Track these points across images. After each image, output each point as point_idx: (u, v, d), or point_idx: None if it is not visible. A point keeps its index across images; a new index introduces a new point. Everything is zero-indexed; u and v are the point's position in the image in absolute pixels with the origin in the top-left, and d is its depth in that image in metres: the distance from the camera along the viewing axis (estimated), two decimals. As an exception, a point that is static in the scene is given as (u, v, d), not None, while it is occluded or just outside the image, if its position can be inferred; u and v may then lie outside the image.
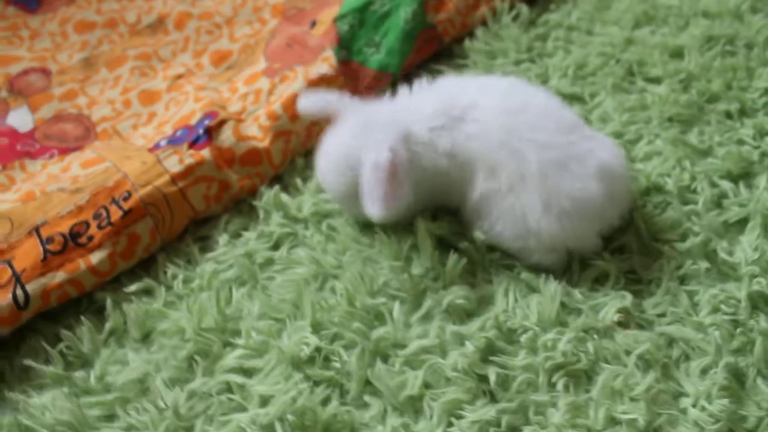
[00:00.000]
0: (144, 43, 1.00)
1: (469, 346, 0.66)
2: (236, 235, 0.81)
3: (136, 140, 0.88)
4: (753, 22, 0.99)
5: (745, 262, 0.73)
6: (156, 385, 0.67)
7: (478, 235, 0.74)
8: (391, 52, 0.93)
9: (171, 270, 0.77)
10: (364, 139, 0.70)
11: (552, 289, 0.70)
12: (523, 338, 0.68)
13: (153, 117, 0.92)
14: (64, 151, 0.87)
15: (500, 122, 0.70)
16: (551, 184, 0.68)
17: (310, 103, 0.77)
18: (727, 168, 0.82)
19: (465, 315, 0.71)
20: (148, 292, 0.76)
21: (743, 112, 0.89)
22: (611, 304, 0.70)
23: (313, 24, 0.97)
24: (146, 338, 0.72)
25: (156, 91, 0.95)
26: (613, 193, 0.70)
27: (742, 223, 0.78)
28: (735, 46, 0.96)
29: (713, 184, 0.81)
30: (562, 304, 0.71)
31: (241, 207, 0.84)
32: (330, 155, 0.75)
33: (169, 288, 0.76)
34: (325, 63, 0.90)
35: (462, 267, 0.73)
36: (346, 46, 0.93)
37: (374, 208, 0.67)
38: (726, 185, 0.81)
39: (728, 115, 0.89)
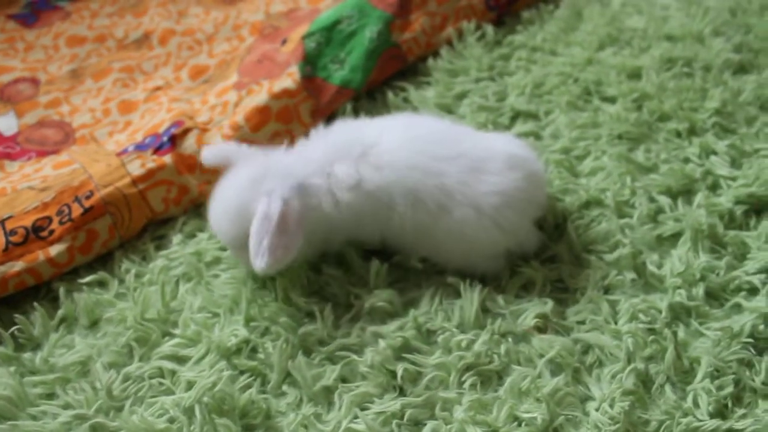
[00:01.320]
0: (129, 57, 1.07)
1: (382, 344, 0.69)
2: (191, 236, 0.86)
3: (110, 146, 0.94)
4: (713, 45, 1.00)
5: (670, 274, 0.75)
6: (96, 368, 0.72)
7: (416, 264, 0.76)
8: (354, 68, 0.98)
9: (125, 265, 0.82)
10: (257, 189, 0.70)
11: (474, 293, 0.73)
12: (440, 339, 0.70)
13: (128, 125, 0.98)
14: (42, 154, 0.94)
15: (406, 148, 0.73)
16: (475, 189, 0.71)
17: (211, 154, 0.78)
18: (668, 184, 0.84)
19: (387, 317, 0.74)
20: (102, 284, 0.81)
21: (692, 132, 0.91)
22: (532, 309, 0.73)
23: (284, 41, 1.02)
24: (94, 325, 0.77)
25: (134, 102, 1.01)
26: (529, 177, 0.73)
27: (676, 237, 0.79)
28: (692, 68, 0.98)
29: (652, 200, 0.83)
30: (485, 309, 0.73)
31: (201, 210, 0.89)
32: (223, 203, 0.74)
33: (121, 281, 0.81)
34: (290, 78, 0.95)
35: (385, 272, 0.76)
36: (311, 62, 0.98)
37: (259, 261, 0.67)
38: (664, 200, 0.82)
39: (677, 134, 0.91)
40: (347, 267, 0.79)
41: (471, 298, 0.72)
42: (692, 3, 1.08)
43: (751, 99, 0.93)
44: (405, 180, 0.72)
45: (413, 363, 0.69)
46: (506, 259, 0.76)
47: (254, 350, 0.72)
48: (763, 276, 0.75)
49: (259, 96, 0.94)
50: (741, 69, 0.99)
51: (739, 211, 0.81)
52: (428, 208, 0.72)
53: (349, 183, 0.72)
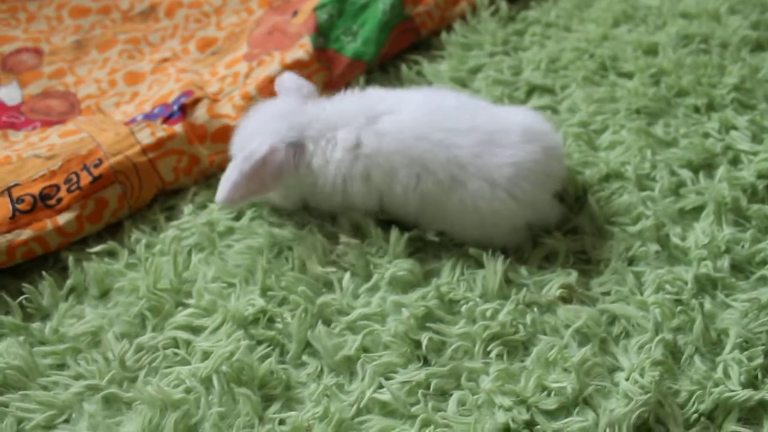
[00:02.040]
0: (135, 29, 1.05)
1: (406, 313, 0.67)
2: (202, 207, 0.84)
3: (116, 116, 0.91)
4: (730, 22, 1.00)
5: (695, 246, 0.74)
6: (107, 338, 0.69)
7: (431, 236, 0.75)
8: (367, 41, 0.96)
9: (135, 235, 0.80)
10: (268, 126, 0.74)
11: (497, 263, 0.71)
12: (464, 308, 0.69)
13: (135, 96, 0.96)
14: (47, 124, 0.91)
15: (416, 119, 0.71)
16: (489, 161, 0.69)
17: (287, 79, 0.81)
18: (689, 158, 0.83)
19: (408, 286, 0.72)
20: (111, 254, 0.79)
21: (711, 107, 0.90)
22: (556, 280, 0.71)
23: (295, 13, 1.00)
24: (104, 295, 0.75)
25: (141, 73, 0.98)
26: (546, 150, 0.71)
27: (699, 210, 0.78)
28: (709, 45, 0.97)
29: (673, 173, 0.82)
30: (508, 280, 0.72)
31: (211, 181, 0.86)
32: (244, 123, 0.78)
33: (132, 251, 0.79)
34: (302, 49, 0.93)
35: (406, 242, 0.74)
36: (323, 33, 0.96)
37: (221, 192, 0.70)
38: (686, 174, 0.81)
39: (696, 109, 0.90)
40: (364, 236, 0.77)
41: (494, 268, 0.71)
42: (707, -19, 1.07)
43: (770, 76, 0.93)
44: (410, 149, 0.71)
45: (437, 332, 0.67)
46: (527, 232, 0.75)
47: (271, 320, 0.70)
48: (788, 249, 0.74)
49: (271, 66, 0.92)
50: (759, 47, 0.98)
51: (761, 185, 0.80)
52: (438, 179, 0.70)
53: (344, 146, 0.73)
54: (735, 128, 0.86)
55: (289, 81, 0.80)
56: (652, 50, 0.97)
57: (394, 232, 0.75)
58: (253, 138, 0.73)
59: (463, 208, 0.71)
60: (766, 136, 0.85)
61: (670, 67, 0.94)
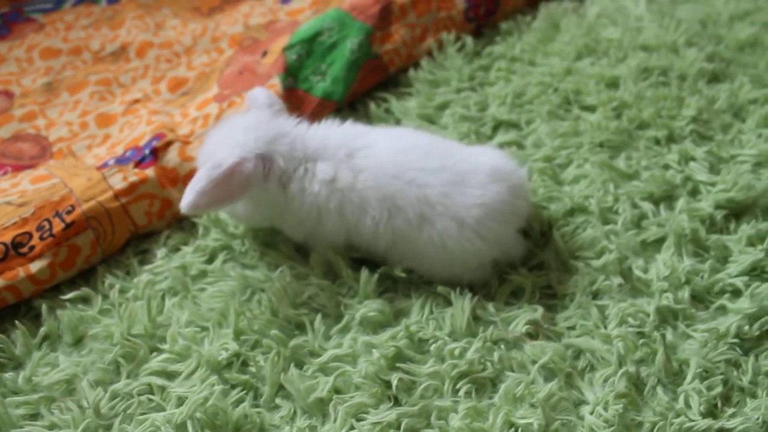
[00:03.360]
0: (106, 69, 1.06)
1: (376, 354, 0.69)
2: (175, 249, 0.84)
3: (88, 160, 0.92)
4: (687, 55, 1.03)
5: (656, 278, 0.76)
6: (81, 386, 0.70)
7: (399, 272, 0.76)
8: (336, 80, 0.98)
9: (109, 280, 0.80)
10: (237, 138, 0.74)
11: (464, 302, 0.73)
12: (433, 348, 0.70)
13: (107, 138, 0.96)
14: (18, 168, 0.92)
15: (391, 159, 0.74)
16: (457, 201, 0.71)
17: (258, 94, 0.81)
18: (650, 190, 0.85)
19: (379, 326, 0.74)
20: (85, 300, 0.79)
21: (671, 139, 0.92)
22: (523, 316, 0.73)
23: (265, 53, 1.02)
24: (78, 342, 0.76)
25: (112, 115, 0.99)
26: (512, 188, 0.74)
27: (660, 242, 0.81)
28: (668, 77, 1.00)
29: (635, 206, 0.84)
30: (476, 317, 0.74)
31: (184, 224, 0.88)
32: (212, 133, 0.79)
33: (105, 297, 0.79)
34: (271, 90, 0.95)
35: (376, 282, 0.75)
36: (292, 73, 0.97)
37: (186, 199, 0.70)
38: (647, 206, 0.84)
39: (656, 141, 0.93)
40: (335, 276, 0.78)
41: (462, 306, 0.73)
42: (665, 15, 1.11)
43: (726, 107, 0.96)
44: (384, 187, 0.73)
45: (407, 372, 0.68)
46: (493, 268, 0.77)
47: (245, 364, 0.71)
48: (745, 278, 0.76)
49: (241, 108, 0.93)
50: (714, 78, 1.01)
51: (719, 215, 0.82)
52: (408, 217, 0.72)
53: (322, 178, 0.74)
54: (693, 159, 0.89)
55: (261, 96, 0.81)
56: (613, 83, 1.00)
57: (364, 273, 0.76)
58: (222, 149, 0.74)
59: (431, 245, 0.73)
60: (723, 166, 0.88)
61: (631, 99, 0.97)
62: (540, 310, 0.73)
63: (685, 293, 0.75)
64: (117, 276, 0.81)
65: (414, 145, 0.76)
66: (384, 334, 0.72)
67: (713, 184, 0.86)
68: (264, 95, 0.81)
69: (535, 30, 1.10)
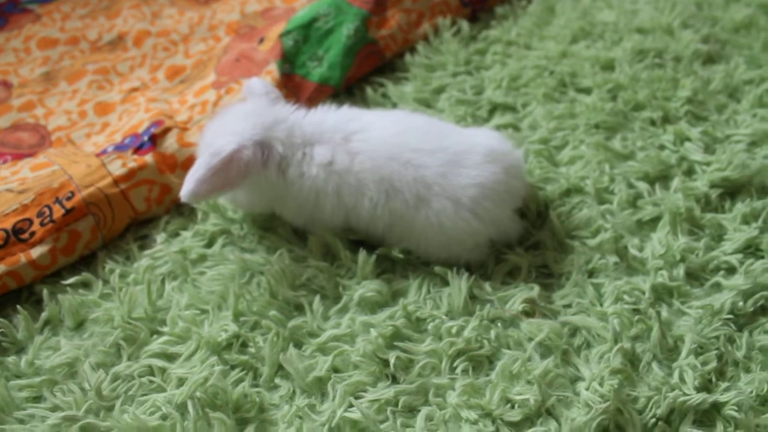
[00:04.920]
0: (104, 59, 1.06)
1: (374, 333, 0.70)
2: (174, 235, 0.85)
3: (87, 148, 0.93)
4: (683, 37, 1.03)
5: (652, 257, 0.77)
6: (83, 369, 0.71)
7: (397, 254, 0.77)
8: (332, 66, 0.98)
9: (109, 265, 0.81)
10: (237, 125, 0.75)
11: (461, 281, 0.74)
12: (431, 326, 0.71)
13: (106, 126, 0.97)
14: (18, 157, 0.92)
15: (388, 141, 0.74)
16: (453, 181, 0.72)
17: (254, 84, 0.82)
18: (645, 170, 0.86)
19: (377, 306, 0.74)
20: (86, 285, 0.80)
21: (666, 120, 0.93)
22: (519, 295, 0.74)
23: (261, 40, 1.02)
24: (79, 327, 0.76)
25: (111, 103, 1.00)
26: (508, 169, 0.74)
27: (655, 221, 0.81)
28: (663, 59, 1.01)
29: (630, 186, 0.85)
30: (473, 296, 0.74)
31: (183, 209, 0.88)
32: (215, 121, 0.79)
33: (106, 282, 0.80)
34: (268, 76, 0.95)
35: (373, 264, 0.76)
36: (289, 60, 0.98)
37: (186, 188, 0.70)
38: (642, 186, 0.84)
39: (652, 123, 0.93)
40: (333, 258, 0.79)
41: (459, 285, 0.73)
42: (660, -3, 1.11)
43: (721, 87, 0.96)
44: (381, 169, 0.73)
45: (405, 351, 0.69)
46: (490, 248, 0.77)
47: (244, 345, 0.72)
48: (739, 255, 0.77)
49: (239, 94, 0.94)
50: (710, 59, 1.01)
51: (714, 194, 0.83)
52: (405, 198, 0.73)
53: (319, 161, 0.75)
54: (689, 140, 0.89)
55: (257, 85, 0.81)
56: (609, 66, 1.01)
57: (362, 254, 0.77)
58: (220, 137, 0.74)
59: (428, 225, 0.73)
60: (718, 146, 0.89)
61: (626, 81, 0.97)
62: (536, 289, 0.74)
63: (680, 271, 0.75)
64: (117, 261, 0.82)
65: (410, 126, 0.77)
66: (382, 313, 0.73)
67: (708, 164, 0.86)
68: (260, 85, 0.81)
69: (531, 14, 1.10)
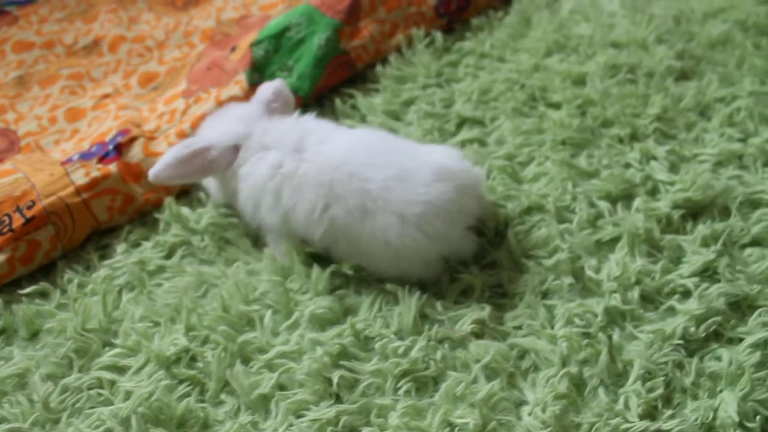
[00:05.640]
0: (78, 64, 1.07)
1: (319, 351, 0.70)
2: (135, 245, 0.86)
3: (55, 155, 0.93)
4: (657, 52, 1.02)
5: (607, 279, 0.76)
6: (34, 380, 0.71)
7: (348, 270, 0.77)
8: (302, 76, 0.98)
9: (68, 275, 0.82)
10: (226, 125, 0.82)
11: (412, 300, 0.73)
12: (378, 345, 0.71)
13: (75, 133, 0.97)
14: (-14, 163, 0.93)
15: (337, 154, 0.75)
16: (398, 196, 0.72)
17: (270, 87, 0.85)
18: (608, 189, 0.85)
19: (328, 323, 0.74)
20: (44, 294, 0.80)
21: (634, 137, 0.92)
22: (470, 315, 0.73)
23: (233, 49, 1.02)
24: (34, 337, 0.77)
25: (82, 109, 1.00)
26: (460, 188, 0.74)
27: (615, 242, 0.81)
28: (636, 75, 1.00)
29: (592, 205, 0.84)
30: (424, 315, 0.74)
31: (146, 219, 0.89)
32: (215, 114, 0.87)
33: (64, 291, 0.81)
34: (237, 86, 0.95)
35: (328, 279, 0.76)
36: (259, 69, 0.98)
37: (153, 168, 0.78)
38: (604, 205, 0.84)
39: (619, 140, 0.92)
40: (288, 273, 0.79)
41: (408, 304, 0.73)
42: (638, 11, 1.10)
43: (692, 105, 0.95)
44: (323, 174, 0.74)
45: (350, 370, 0.69)
46: (443, 265, 0.77)
47: (194, 359, 0.72)
48: (696, 279, 0.76)
49: (207, 104, 0.94)
50: (683, 76, 1.01)
51: (676, 215, 0.82)
52: (348, 207, 0.73)
53: (270, 163, 0.77)
54: (655, 158, 0.89)
55: (264, 92, 0.85)
56: (580, 80, 1.00)
57: (315, 270, 0.77)
58: (205, 130, 0.84)
59: (374, 240, 0.73)
60: (684, 166, 0.88)
61: (596, 97, 0.96)
62: (487, 309, 0.74)
63: (634, 294, 0.75)
64: (76, 271, 0.83)
65: (364, 142, 0.77)
66: (331, 331, 0.73)
67: (672, 184, 0.86)
68: (269, 91, 0.85)
69: (507, 26, 1.10)
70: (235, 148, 0.80)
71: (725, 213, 0.83)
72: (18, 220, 0.81)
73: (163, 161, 0.78)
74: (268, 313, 0.75)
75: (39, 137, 0.97)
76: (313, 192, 0.75)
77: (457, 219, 0.75)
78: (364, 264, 0.77)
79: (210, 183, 0.87)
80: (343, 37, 1.02)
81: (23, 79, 1.05)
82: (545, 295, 0.76)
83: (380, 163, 0.73)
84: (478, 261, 0.79)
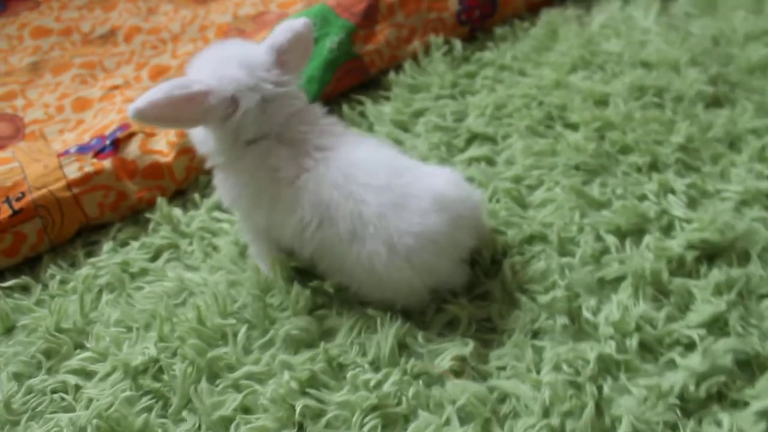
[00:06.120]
0: (93, 52, 1.06)
1: (286, 376, 0.66)
2: (123, 244, 0.84)
3: (56, 145, 0.92)
4: (688, 75, 0.95)
5: (605, 322, 0.71)
6: (0, 378, 0.70)
7: (329, 288, 0.74)
8: (310, 79, 0.95)
9: (51, 270, 0.80)
10: (227, 68, 0.69)
11: (391, 329, 0.69)
12: (350, 375, 0.67)
13: (80, 124, 0.96)
14: (-13, 149, 0.93)
15: (340, 169, 0.70)
16: (391, 225, 0.68)
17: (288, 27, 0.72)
18: (618, 223, 0.79)
19: (303, 345, 0.71)
20: (25, 288, 0.79)
21: (653, 167, 0.86)
22: (452, 350, 0.69)
23: (244, 46, 0.99)
24: (9, 332, 0.76)
25: (89, 100, 0.99)
26: (455, 219, 0.69)
27: (619, 281, 0.75)
28: (663, 98, 0.93)
29: (599, 238, 0.79)
30: (405, 345, 0.70)
31: (138, 218, 0.87)
32: (207, 52, 0.73)
33: (45, 287, 0.79)
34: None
35: (308, 298, 0.73)
36: (267, 69, 0.95)
37: (136, 102, 0.65)
38: (611, 240, 0.78)
39: (638, 169, 0.86)
40: (270, 288, 0.76)
41: (387, 333, 0.69)
42: (673, 28, 1.03)
43: (721, 135, 0.88)
44: (319, 191, 0.69)
45: (317, 399, 0.66)
46: (430, 294, 0.73)
47: (161, 371, 0.70)
48: (703, 331, 0.70)
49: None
50: (714, 102, 0.93)
51: (689, 256, 0.76)
52: (339, 230, 0.69)
53: (271, 164, 0.70)
54: (673, 192, 0.82)
55: (278, 35, 0.72)
56: (603, 101, 0.94)
57: (295, 288, 0.74)
58: (202, 70, 0.69)
59: (359, 265, 0.69)
60: (706, 201, 0.81)
61: (618, 120, 0.90)
62: (471, 346, 0.69)
63: (633, 341, 0.69)
64: (61, 266, 0.81)
65: (369, 159, 0.72)
66: (304, 354, 0.70)
67: (689, 221, 0.79)
68: (284, 35, 0.71)
69: (532, 37, 1.04)
70: (233, 100, 0.68)
71: (745, 258, 0.76)
72: (5, 212, 0.80)
73: (151, 97, 0.65)
74: (243, 328, 0.72)
75: (44, 125, 0.96)
76: (308, 210, 0.70)
77: (449, 252, 0.70)
78: (347, 284, 0.73)
79: (196, 133, 0.74)
80: (357, 41, 0.98)
81: (37, 65, 1.04)
82: (536, 334, 0.71)
83: (380, 185, 0.69)
84: (470, 291, 0.75)
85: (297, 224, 0.71)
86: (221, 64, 0.69)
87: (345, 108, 0.95)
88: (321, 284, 0.74)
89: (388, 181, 0.70)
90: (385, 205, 0.68)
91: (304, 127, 0.73)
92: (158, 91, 0.65)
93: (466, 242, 0.72)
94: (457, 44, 1.02)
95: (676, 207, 0.81)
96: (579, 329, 0.71)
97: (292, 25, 0.71)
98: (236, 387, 0.68)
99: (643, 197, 0.83)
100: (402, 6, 1.01)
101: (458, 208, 0.70)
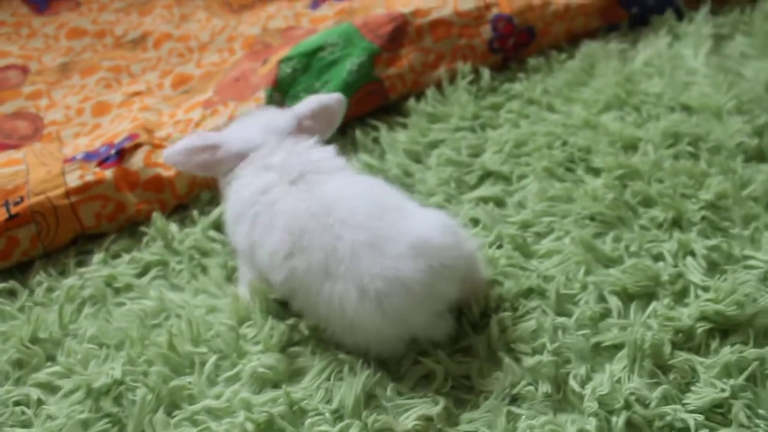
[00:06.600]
0: (122, 56, 1.06)
1: (242, 417, 0.64)
2: (115, 256, 0.83)
3: (69, 149, 0.93)
4: (731, 123, 0.87)
5: (591, 395, 0.65)
6: (-32, 385, 0.70)
7: (305, 330, 0.71)
8: (327, 101, 0.92)
9: (39, 277, 0.80)
10: (256, 130, 0.76)
11: (358, 378, 0.66)
12: (307, 423, 0.64)
13: (96, 129, 0.97)
14: (3, 147, 0.94)
15: (323, 200, 0.67)
16: (364, 267, 0.64)
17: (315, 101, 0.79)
18: (625, 284, 0.73)
19: (268, 383, 0.68)
20: (12, 293, 0.80)
21: (676, 223, 0.79)
22: (420, 408, 0.65)
23: (265, 62, 0.98)
24: (-11, 337, 0.76)
25: (109, 104, 1.00)
26: (434, 268, 0.64)
27: (617, 350, 0.69)
28: (698, 148, 0.85)
29: (601, 299, 0.73)
30: (373, 395, 0.66)
31: (135, 230, 0.86)
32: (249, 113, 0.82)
33: (32, 293, 0.80)
34: (255, 103, 0.91)
35: (283, 334, 0.70)
36: (282, 89, 0.93)
37: (169, 149, 0.76)
38: (614, 303, 0.72)
39: (659, 225, 0.79)
40: (246, 318, 0.73)
41: (355, 382, 0.65)
42: (724, 70, 0.94)
43: (758, 194, 0.80)
44: (295, 219, 0.67)
45: (268, 446, 0.63)
46: (407, 344, 0.68)
47: (121, 395, 0.68)
48: (701, 417, 0.63)
49: (221, 118, 0.90)
50: (757, 156, 0.85)
51: (700, 329, 0.69)
52: (311, 262, 0.66)
53: (257, 187, 0.71)
54: (692, 254, 0.75)
55: (304, 105, 0.78)
56: (632, 145, 0.87)
57: (271, 322, 0.71)
58: (232, 127, 0.79)
59: (330, 305, 0.66)
60: (727, 268, 0.74)
61: (644, 168, 0.83)
62: (440, 405, 0.64)
63: (619, 420, 0.63)
64: (50, 274, 0.81)
65: (352, 193, 0.69)
66: (267, 394, 0.67)
67: (705, 289, 0.72)
68: (308, 106, 0.78)
69: (567, 70, 0.98)
70: (239, 156, 0.74)
71: (763, 337, 0.69)
72: (2, 215, 0.80)
73: (177, 146, 0.76)
74: (213, 358, 0.70)
75: (61, 128, 0.97)
76: (279, 234, 0.68)
77: (425, 303, 0.65)
78: (320, 325, 0.70)
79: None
80: (379, 64, 0.94)
81: (67, 66, 1.06)
82: (514, 400, 0.66)
83: (358, 223, 0.65)
84: (453, 343, 0.70)
85: (270, 247, 0.68)
86: (247, 126, 0.78)
87: (358, 132, 0.92)
88: (298, 322, 0.71)
89: (367, 220, 0.66)
90: (360, 244, 0.65)
91: (298, 161, 0.72)
92: (183, 141, 0.76)
93: (447, 293, 0.67)
94: (486, 73, 0.97)
95: (694, 271, 0.74)
96: (562, 399, 0.66)
97: (322, 98, 0.79)
98: (192, 421, 0.66)
99: (658, 257, 0.76)
100: (432, 30, 0.97)
101: (441, 257, 0.65)
